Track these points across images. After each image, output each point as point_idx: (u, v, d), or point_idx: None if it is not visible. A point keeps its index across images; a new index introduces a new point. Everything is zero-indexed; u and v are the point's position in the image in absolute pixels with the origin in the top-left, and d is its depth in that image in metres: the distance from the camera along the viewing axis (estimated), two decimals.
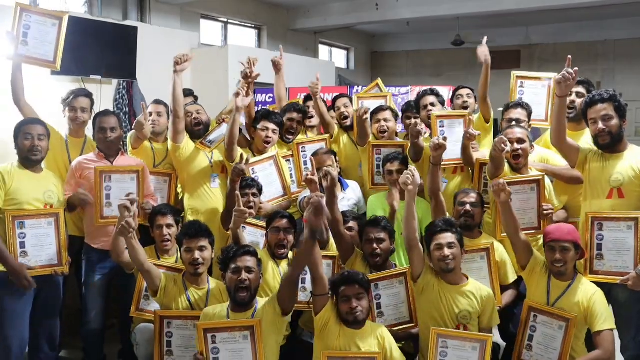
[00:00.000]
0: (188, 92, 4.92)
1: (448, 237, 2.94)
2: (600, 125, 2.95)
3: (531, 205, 3.25)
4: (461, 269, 3.03)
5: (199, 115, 3.87)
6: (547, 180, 3.37)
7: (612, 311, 3.01)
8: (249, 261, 2.82)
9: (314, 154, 3.79)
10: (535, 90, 3.94)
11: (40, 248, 3.14)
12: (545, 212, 3.23)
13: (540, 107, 3.87)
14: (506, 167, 3.39)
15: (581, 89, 3.56)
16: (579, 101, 3.50)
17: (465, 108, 4.28)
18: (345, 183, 3.90)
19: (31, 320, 3.21)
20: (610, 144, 2.97)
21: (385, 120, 3.98)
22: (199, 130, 3.84)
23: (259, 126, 3.88)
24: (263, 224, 3.49)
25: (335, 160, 3.82)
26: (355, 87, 6.40)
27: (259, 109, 4.40)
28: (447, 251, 2.91)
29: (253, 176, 3.69)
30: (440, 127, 3.62)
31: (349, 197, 3.82)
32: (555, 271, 2.92)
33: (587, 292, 2.88)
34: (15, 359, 3.12)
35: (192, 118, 3.84)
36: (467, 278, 3.04)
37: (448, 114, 3.76)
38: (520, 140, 3.29)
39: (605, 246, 2.95)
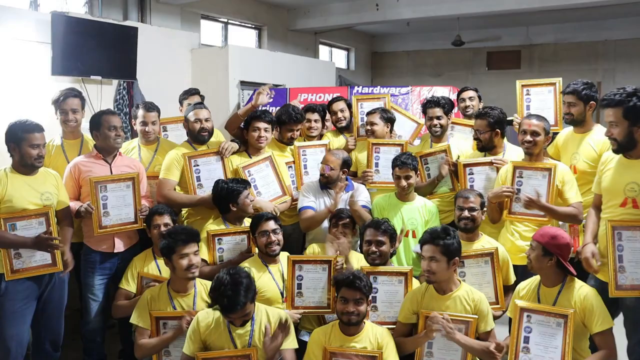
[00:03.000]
0: (194, 92, 4.90)
1: (429, 250, 2.93)
2: (606, 131, 2.89)
3: (540, 192, 3.29)
4: (454, 276, 3.02)
5: (207, 123, 3.84)
6: (570, 174, 3.39)
7: (622, 314, 2.97)
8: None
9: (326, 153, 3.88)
10: (542, 96, 3.96)
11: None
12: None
13: (549, 112, 3.88)
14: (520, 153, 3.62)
15: (571, 99, 3.51)
16: (572, 110, 3.54)
17: (467, 111, 4.49)
18: (351, 185, 3.90)
19: (35, 320, 3.21)
20: (619, 150, 2.87)
21: (371, 124, 4.13)
22: (204, 136, 3.84)
23: (250, 127, 3.88)
24: (241, 228, 3.51)
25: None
26: (356, 88, 6.39)
27: (259, 109, 4.40)
28: (425, 265, 2.94)
29: (249, 178, 3.73)
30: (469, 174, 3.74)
31: (347, 198, 3.81)
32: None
33: (580, 292, 2.84)
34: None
35: (201, 127, 3.80)
36: (460, 282, 3.04)
37: (475, 162, 3.79)
38: (535, 133, 3.37)
39: (626, 257, 2.84)
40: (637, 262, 2.82)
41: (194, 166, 3.67)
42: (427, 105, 4.13)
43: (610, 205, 2.95)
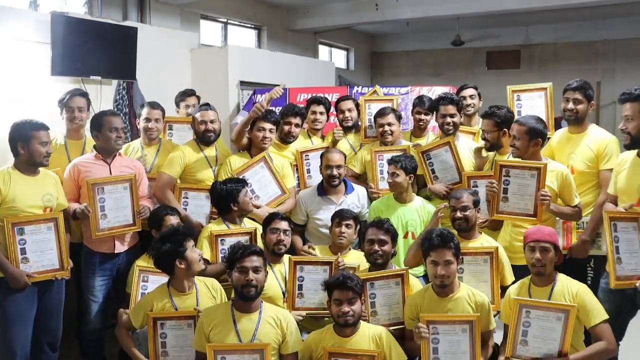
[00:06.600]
0: (190, 92, 4.90)
1: (445, 254, 2.89)
2: (621, 125, 2.91)
3: (529, 192, 3.26)
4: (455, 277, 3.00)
5: (212, 124, 3.86)
6: (569, 178, 3.36)
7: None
8: (256, 261, 2.84)
9: (325, 153, 3.82)
10: (532, 102, 3.94)
11: (41, 253, 3.14)
12: (542, 197, 3.20)
13: (540, 117, 3.85)
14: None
15: (578, 95, 3.51)
16: (579, 107, 3.52)
17: (468, 110, 4.45)
18: (350, 186, 3.89)
19: (34, 321, 3.20)
20: (631, 145, 2.91)
21: (389, 124, 4.01)
22: (209, 137, 3.85)
23: (255, 127, 3.87)
24: (245, 229, 3.51)
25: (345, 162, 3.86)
26: (355, 88, 6.38)
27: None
28: (441, 270, 2.89)
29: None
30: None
31: (349, 202, 3.82)
32: (535, 272, 2.92)
33: (571, 289, 2.87)
34: None
35: (206, 128, 3.83)
36: (460, 284, 3.02)
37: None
38: None
39: (621, 248, 2.88)
40: (631, 253, 2.87)
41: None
42: (440, 102, 3.99)
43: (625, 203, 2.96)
